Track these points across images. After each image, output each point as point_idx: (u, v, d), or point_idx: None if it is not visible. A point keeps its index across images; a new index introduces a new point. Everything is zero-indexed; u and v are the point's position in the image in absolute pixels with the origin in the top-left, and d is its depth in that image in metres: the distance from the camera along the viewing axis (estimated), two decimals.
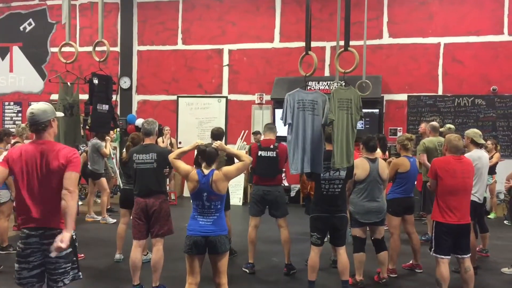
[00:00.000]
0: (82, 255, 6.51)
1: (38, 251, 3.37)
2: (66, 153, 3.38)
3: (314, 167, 4.80)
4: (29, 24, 13.57)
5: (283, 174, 6.68)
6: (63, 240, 3.18)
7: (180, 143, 12.39)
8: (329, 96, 4.76)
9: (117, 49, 12.80)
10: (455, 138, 4.86)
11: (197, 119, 12.48)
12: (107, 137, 8.69)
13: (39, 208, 3.36)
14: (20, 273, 3.41)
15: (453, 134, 5.17)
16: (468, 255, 4.80)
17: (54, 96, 13.04)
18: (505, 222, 9.15)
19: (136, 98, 12.92)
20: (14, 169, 3.42)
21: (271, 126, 6.21)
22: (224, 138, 7.42)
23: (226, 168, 4.18)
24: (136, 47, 12.86)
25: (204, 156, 4.21)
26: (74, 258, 3.50)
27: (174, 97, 12.65)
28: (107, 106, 5.62)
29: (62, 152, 3.38)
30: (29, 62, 13.57)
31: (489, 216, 9.51)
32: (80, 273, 3.58)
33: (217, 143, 4.24)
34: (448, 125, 8.17)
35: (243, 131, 11.85)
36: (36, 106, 3.47)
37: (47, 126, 3.44)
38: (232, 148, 4.43)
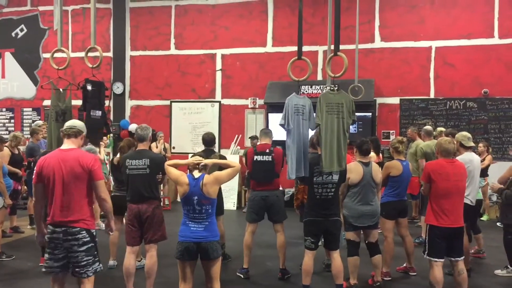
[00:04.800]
0: None
1: (62, 246, 3.89)
2: (87, 161, 3.92)
3: (305, 171, 4.84)
4: (21, 30, 13.53)
5: None
6: (111, 228, 4.26)
7: (173, 148, 12.38)
8: (316, 101, 4.79)
9: (110, 54, 12.78)
10: (446, 141, 4.89)
11: (191, 124, 12.47)
12: (101, 143, 8.65)
13: (63, 208, 3.88)
14: (47, 262, 3.97)
15: (444, 137, 5.20)
16: (462, 258, 4.82)
17: (47, 102, 13.03)
18: (498, 224, 9.18)
19: (129, 103, 12.90)
20: (43, 175, 3.92)
21: (266, 131, 6.22)
22: (216, 143, 7.43)
23: (217, 173, 4.19)
24: (129, 52, 12.85)
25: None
26: (96, 252, 4.02)
27: (167, 102, 12.65)
28: (100, 112, 5.61)
29: (84, 160, 3.91)
30: (21, 68, 13.54)
31: (482, 218, 9.55)
32: (101, 265, 4.11)
33: (203, 162, 4.21)
34: (439, 129, 8.24)
35: (236, 136, 11.87)
36: (78, 121, 4.31)
37: (79, 134, 4.10)
38: (218, 160, 4.43)
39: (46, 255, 3.97)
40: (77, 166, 3.88)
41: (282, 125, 4.97)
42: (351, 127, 4.85)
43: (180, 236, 4.13)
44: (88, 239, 3.94)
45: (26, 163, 8.25)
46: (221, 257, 4.26)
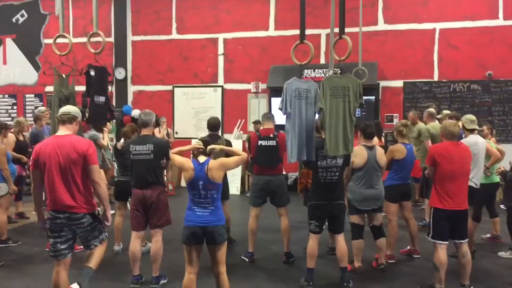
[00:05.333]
0: (81, 246, 6.51)
1: (68, 228, 4.02)
2: (81, 146, 3.96)
3: (310, 155, 4.82)
4: (22, 15, 13.45)
5: None
6: (107, 218, 4.25)
7: (176, 133, 12.37)
8: (319, 84, 4.77)
9: (111, 39, 12.70)
10: (450, 124, 4.87)
11: (193, 109, 12.46)
12: (105, 128, 8.64)
13: (62, 194, 3.93)
14: (54, 246, 4.05)
15: (449, 120, 5.19)
16: (466, 240, 4.83)
17: (49, 88, 13.02)
18: (501, 206, 9.18)
19: (132, 88, 12.86)
20: (39, 162, 3.96)
21: (269, 116, 6.20)
22: (220, 127, 7.41)
23: (223, 159, 4.21)
24: (130, 37, 12.79)
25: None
26: (100, 226, 4.20)
27: (170, 87, 12.61)
28: (103, 97, 5.59)
29: (78, 145, 3.95)
30: (23, 54, 13.48)
31: None
32: (106, 233, 4.33)
33: (211, 146, 4.22)
34: (445, 111, 8.21)
35: (239, 120, 11.85)
36: (72, 106, 4.35)
37: (73, 120, 4.11)
38: (226, 147, 4.39)
39: (51, 240, 4.05)
40: (73, 151, 3.93)
41: (280, 109, 4.98)
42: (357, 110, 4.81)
43: (186, 220, 4.15)
44: (92, 220, 4.09)
45: (31, 149, 8.27)
46: (226, 241, 4.28)
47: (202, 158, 4.17)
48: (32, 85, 13.47)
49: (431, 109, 8.31)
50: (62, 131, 4.09)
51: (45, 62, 13.17)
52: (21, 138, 8.16)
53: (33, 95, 13.48)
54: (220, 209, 4.20)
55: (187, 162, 4.18)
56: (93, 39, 5.73)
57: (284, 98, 4.85)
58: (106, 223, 4.32)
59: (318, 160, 4.91)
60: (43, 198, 4.31)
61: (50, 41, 13.09)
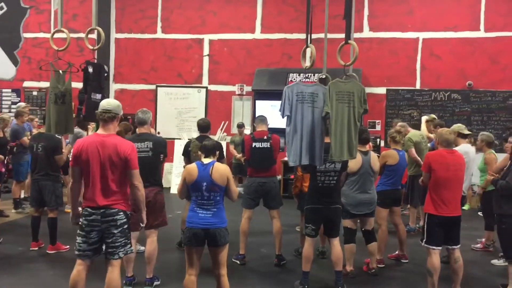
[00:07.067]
0: (67, 246, 6.38)
1: (99, 229, 3.91)
2: (123, 149, 3.90)
3: (313, 160, 4.80)
4: (1, 8, 13.07)
5: None
6: (142, 220, 4.21)
7: (159, 133, 12.21)
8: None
9: (94, 36, 12.43)
10: (446, 132, 4.98)
11: (177, 109, 12.34)
12: (89, 126, 8.50)
13: (101, 192, 3.89)
14: (80, 245, 3.96)
15: (444, 128, 5.31)
16: (458, 246, 4.92)
17: (27, 83, 12.78)
18: (479, 213, 9.43)
19: (114, 87, 12.65)
20: (80, 159, 3.90)
21: (262, 118, 6.20)
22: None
23: (229, 173, 4.21)
24: (114, 35, 12.58)
25: (202, 149, 4.27)
26: (128, 234, 4.07)
27: (153, 87, 12.47)
28: (99, 95, 5.50)
29: (121, 148, 3.90)
30: (1, 48, 13.08)
31: (463, 208, 9.76)
32: (132, 248, 4.17)
33: None
34: (432, 115, 8.39)
35: (223, 122, 11.80)
36: (112, 100, 4.19)
37: (114, 118, 4.00)
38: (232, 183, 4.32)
39: (79, 239, 3.96)
40: (114, 153, 3.87)
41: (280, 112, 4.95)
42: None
43: (188, 222, 4.13)
44: (125, 220, 3.98)
45: (9, 147, 8.09)
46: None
47: (206, 160, 4.15)
48: (10, 80, 13.09)
49: (402, 123, 8.51)
50: (103, 130, 3.99)
51: (23, 56, 12.83)
52: (0, 134, 7.96)
53: (10, 90, 13.10)
54: (223, 211, 4.21)
55: (190, 167, 4.16)
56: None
57: (283, 101, 4.83)
58: (141, 224, 4.28)
59: None
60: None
61: (29, 35, 12.85)
